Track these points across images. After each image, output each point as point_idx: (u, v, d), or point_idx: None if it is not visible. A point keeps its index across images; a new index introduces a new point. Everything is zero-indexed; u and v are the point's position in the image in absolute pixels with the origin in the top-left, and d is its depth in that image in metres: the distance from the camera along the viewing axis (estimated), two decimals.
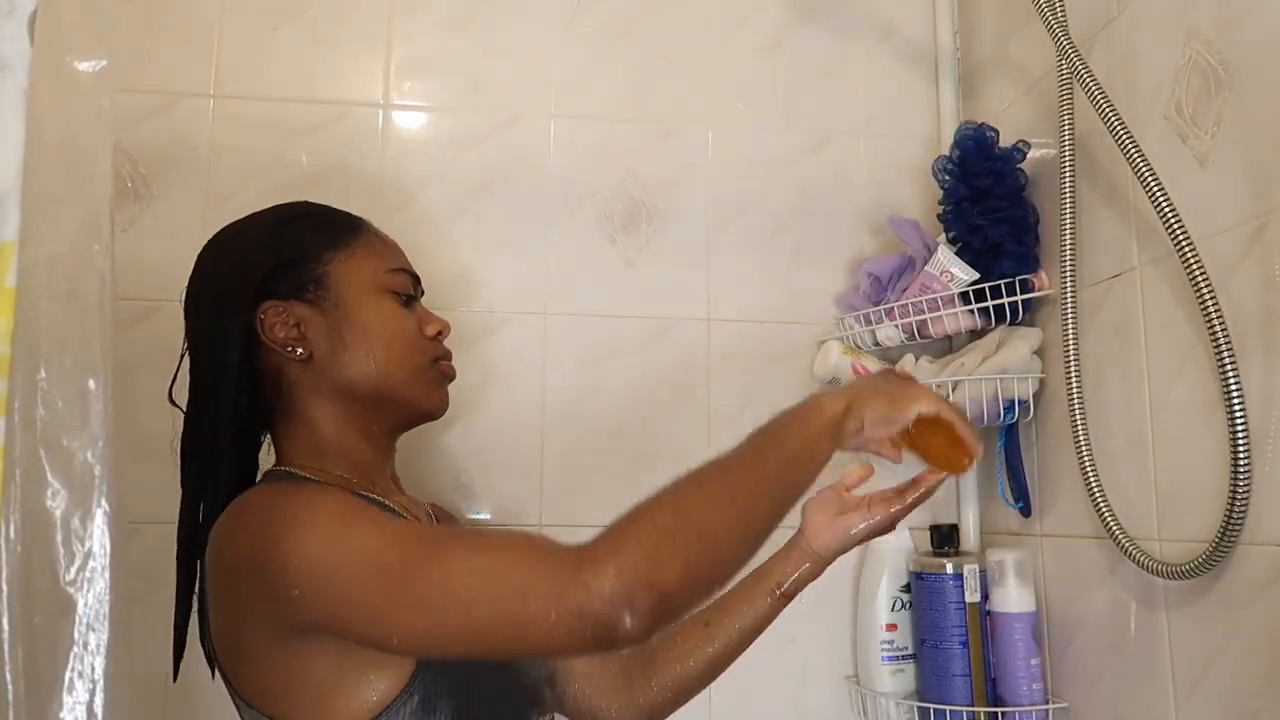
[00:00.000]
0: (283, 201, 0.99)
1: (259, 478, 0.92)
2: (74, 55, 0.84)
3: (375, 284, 0.93)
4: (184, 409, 0.92)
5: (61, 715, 0.73)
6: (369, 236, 0.97)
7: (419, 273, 1.01)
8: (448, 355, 0.98)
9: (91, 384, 0.82)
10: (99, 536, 0.79)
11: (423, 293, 1.01)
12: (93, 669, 0.75)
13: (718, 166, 1.49)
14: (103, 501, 0.87)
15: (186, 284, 0.94)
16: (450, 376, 0.98)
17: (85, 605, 0.76)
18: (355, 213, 1.01)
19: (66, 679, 0.74)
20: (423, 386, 0.94)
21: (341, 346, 0.89)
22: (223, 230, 0.96)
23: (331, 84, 1.43)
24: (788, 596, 1.05)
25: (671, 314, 1.45)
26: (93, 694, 0.74)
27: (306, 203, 0.99)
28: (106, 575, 0.78)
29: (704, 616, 1.06)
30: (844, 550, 1.05)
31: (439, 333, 0.97)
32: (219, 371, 0.87)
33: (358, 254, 0.93)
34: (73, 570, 0.80)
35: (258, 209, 0.99)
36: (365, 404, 0.91)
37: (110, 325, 0.81)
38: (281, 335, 0.88)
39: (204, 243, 0.96)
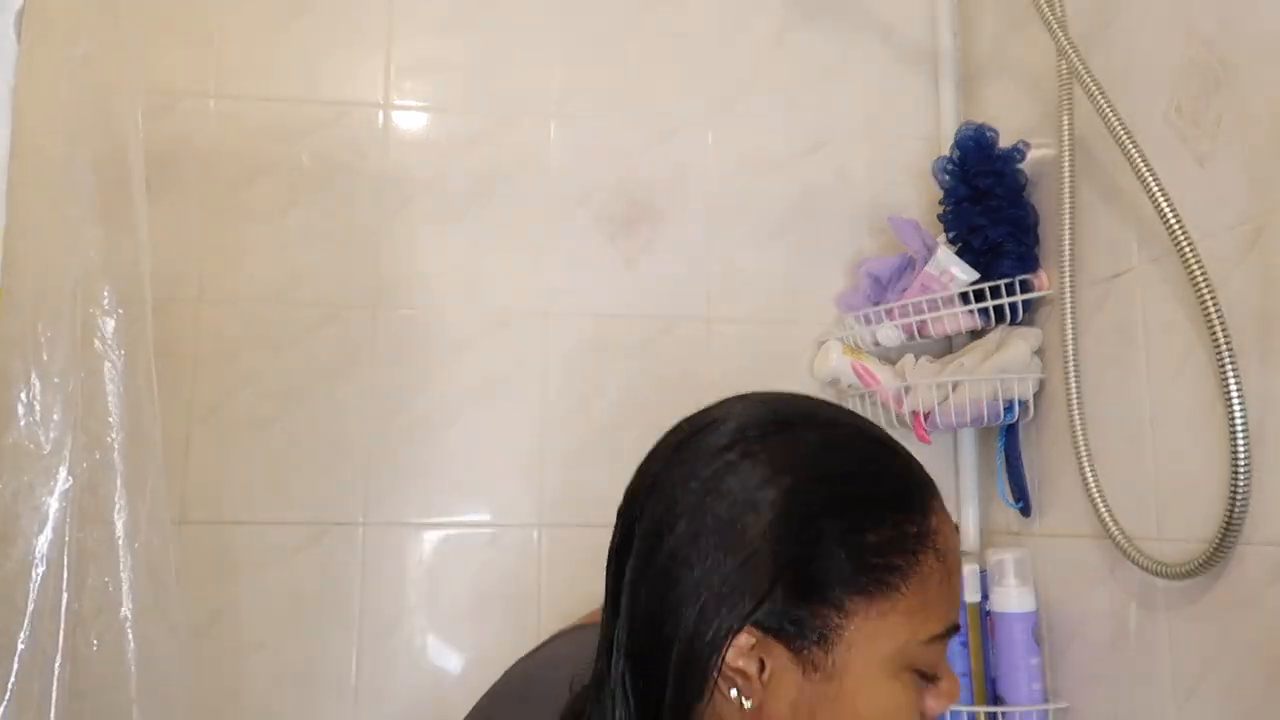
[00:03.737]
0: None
1: None
2: (65, 48, 0.84)
3: (899, 659, 0.61)
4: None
5: None
6: (925, 575, 0.62)
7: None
8: None
9: (73, 386, 0.82)
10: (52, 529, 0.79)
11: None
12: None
13: (717, 166, 1.49)
14: (117, 499, 0.87)
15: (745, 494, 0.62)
16: None
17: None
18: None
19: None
20: None
21: None
22: (744, 453, 0.63)
23: (331, 84, 1.43)
24: None
25: (671, 314, 1.45)
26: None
27: (872, 470, 0.65)
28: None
29: None
30: None
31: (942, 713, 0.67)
32: (685, 666, 0.61)
33: (898, 613, 0.61)
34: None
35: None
36: None
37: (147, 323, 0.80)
38: (734, 665, 0.60)
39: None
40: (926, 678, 0.63)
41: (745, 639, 0.60)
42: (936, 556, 0.62)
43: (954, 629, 0.64)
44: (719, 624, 0.59)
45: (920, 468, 0.66)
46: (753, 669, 0.60)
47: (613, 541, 0.68)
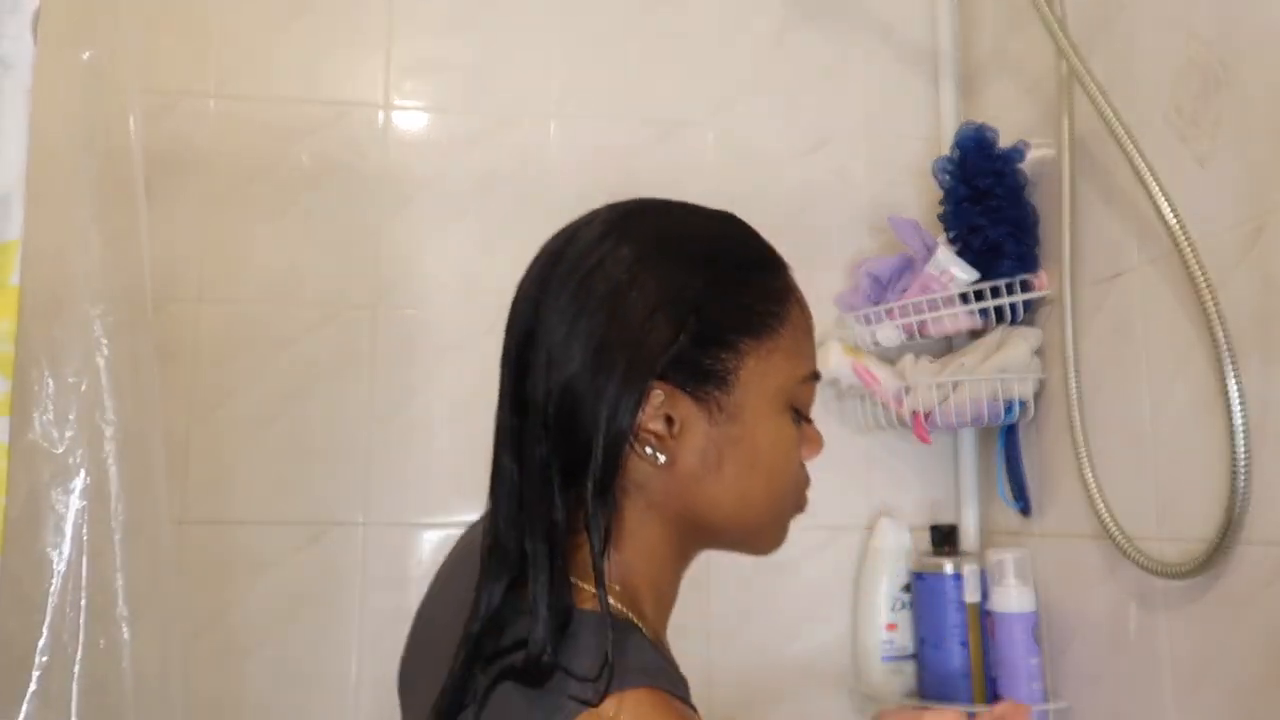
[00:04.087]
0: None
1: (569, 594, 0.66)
2: (67, 49, 0.84)
3: (782, 396, 0.69)
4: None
5: None
6: (794, 321, 0.71)
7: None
8: (809, 483, 0.75)
9: (85, 386, 0.83)
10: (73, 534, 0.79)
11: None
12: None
13: (717, 166, 1.49)
14: (112, 501, 0.87)
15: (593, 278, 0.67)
16: (803, 510, 0.75)
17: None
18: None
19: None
20: (778, 531, 0.73)
21: (714, 469, 0.67)
22: (618, 234, 0.69)
23: (331, 84, 1.43)
24: None
25: None
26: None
27: (736, 234, 0.74)
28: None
29: None
30: None
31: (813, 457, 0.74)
32: (606, 440, 0.64)
33: (780, 351, 0.69)
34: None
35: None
36: (703, 534, 0.70)
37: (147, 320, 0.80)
38: (647, 427, 0.65)
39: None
40: (801, 419, 0.71)
41: (658, 396, 0.65)
42: (799, 307, 0.72)
43: (817, 374, 0.72)
44: (635, 382, 0.63)
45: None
46: (663, 427, 0.65)
47: (506, 349, 0.72)
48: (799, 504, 0.73)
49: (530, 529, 0.65)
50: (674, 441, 0.66)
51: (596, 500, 0.63)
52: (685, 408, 0.66)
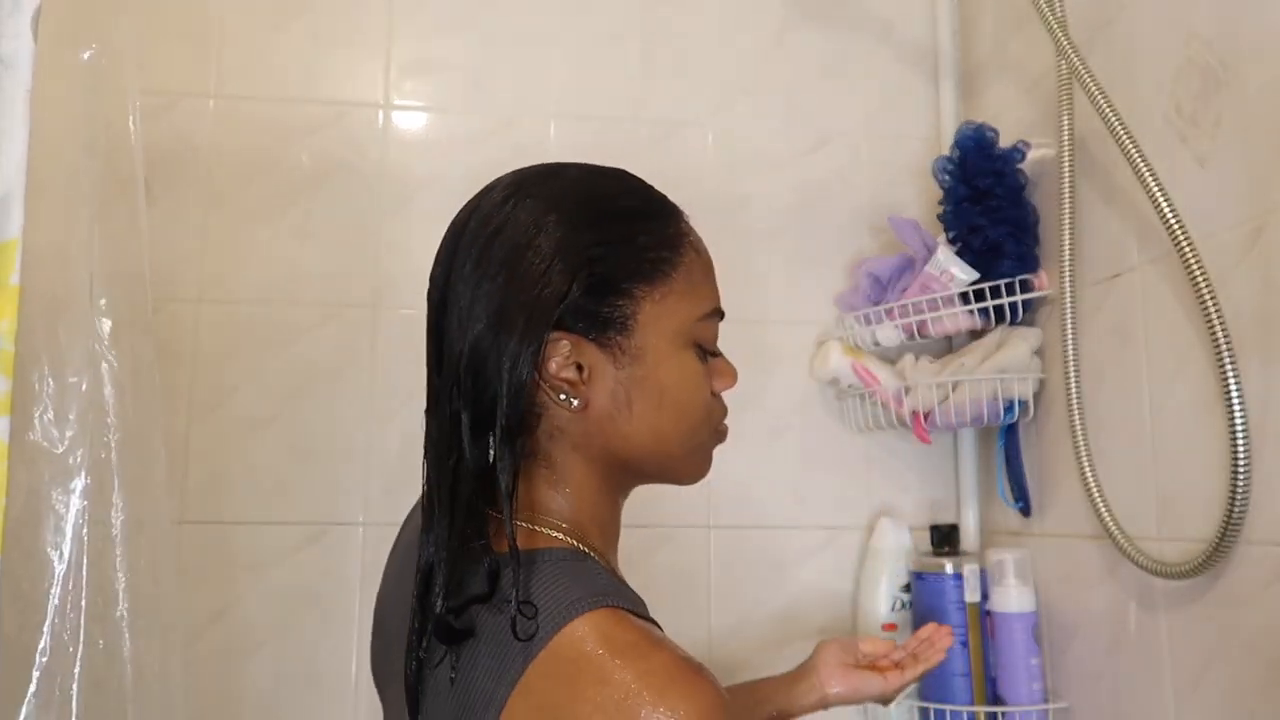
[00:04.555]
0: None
1: (510, 530, 0.70)
2: (66, 49, 0.84)
3: (682, 335, 0.74)
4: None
5: None
6: (689, 264, 0.75)
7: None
8: (726, 413, 0.81)
9: (85, 385, 0.83)
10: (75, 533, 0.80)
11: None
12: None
13: (717, 166, 1.49)
14: (115, 498, 0.87)
15: (478, 241, 0.73)
16: (723, 441, 0.81)
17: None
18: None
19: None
20: (697, 461, 0.78)
21: (624, 408, 0.72)
22: (517, 197, 0.73)
23: (331, 84, 1.43)
24: None
25: None
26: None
27: (627, 188, 0.78)
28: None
29: None
30: (848, 702, 1.05)
31: (727, 389, 0.80)
32: (509, 391, 0.69)
33: (675, 294, 0.74)
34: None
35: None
36: (627, 469, 0.76)
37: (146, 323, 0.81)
38: (559, 376, 0.70)
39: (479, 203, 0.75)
40: (707, 354, 0.77)
41: (564, 346, 0.70)
42: (694, 251, 0.76)
43: (720, 312, 0.78)
44: (532, 335, 0.69)
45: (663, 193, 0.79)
46: (573, 373, 0.71)
47: (426, 319, 0.78)
48: (718, 434, 0.79)
49: (439, 480, 0.71)
50: (585, 386, 0.71)
51: (504, 446, 0.68)
52: (592, 354, 0.71)
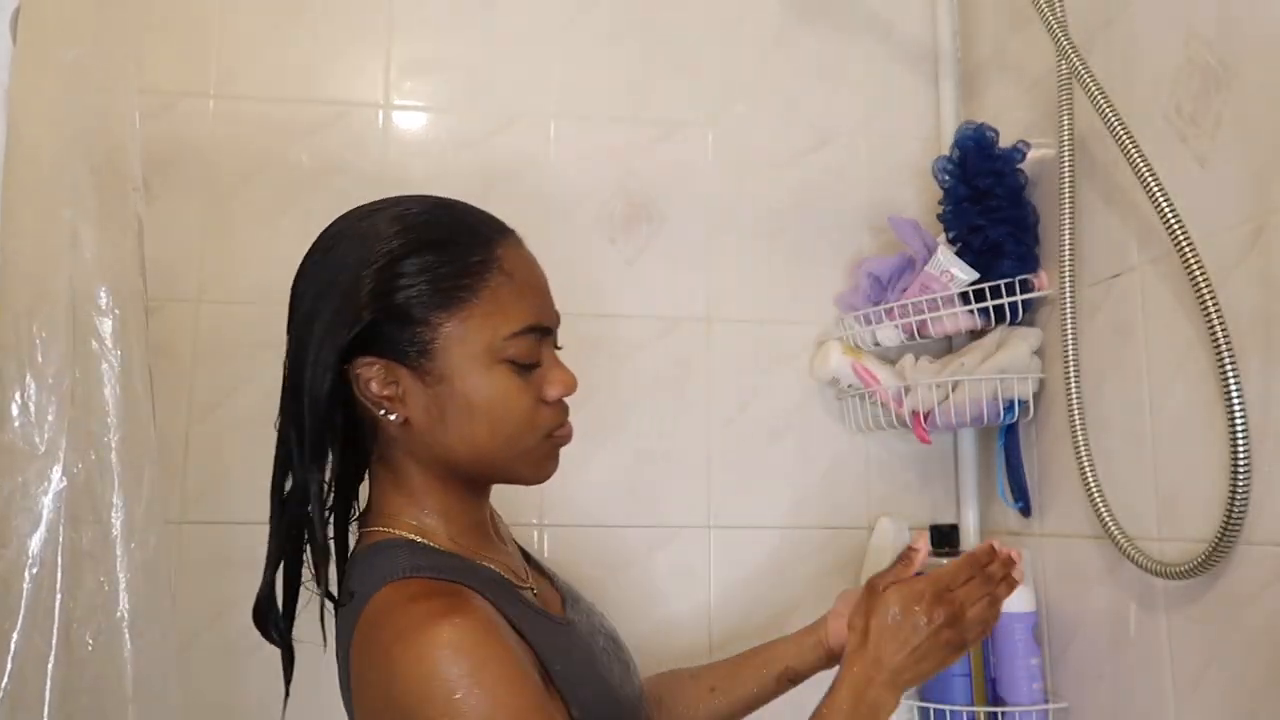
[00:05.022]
0: (345, 205, 0.87)
1: (359, 529, 0.86)
2: (59, 49, 0.84)
3: (490, 354, 0.80)
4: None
5: None
6: (495, 288, 0.81)
7: None
8: (563, 421, 0.86)
9: (68, 384, 0.82)
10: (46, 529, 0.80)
11: (557, 322, 0.88)
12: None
13: (717, 166, 1.49)
14: (114, 498, 0.87)
15: (294, 284, 0.85)
16: (565, 443, 0.87)
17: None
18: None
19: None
20: (530, 464, 0.85)
21: (440, 422, 0.80)
22: (338, 235, 0.84)
23: (331, 84, 1.43)
24: (795, 681, 1.04)
25: (671, 314, 1.45)
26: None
27: (434, 220, 0.83)
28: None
29: (711, 682, 1.04)
30: None
31: (560, 396, 0.85)
32: (310, 409, 0.79)
33: (476, 318, 0.80)
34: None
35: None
36: (459, 472, 0.84)
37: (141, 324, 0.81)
38: (378, 393, 0.80)
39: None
40: (527, 368, 0.82)
41: (377, 369, 0.79)
42: (503, 275, 0.81)
43: (537, 328, 0.82)
44: (326, 362, 0.78)
45: (491, 219, 0.85)
46: (390, 391, 0.80)
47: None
48: (553, 438, 0.85)
49: (273, 490, 0.82)
50: (402, 404, 0.80)
51: (312, 462, 0.79)
52: (403, 376, 0.80)
